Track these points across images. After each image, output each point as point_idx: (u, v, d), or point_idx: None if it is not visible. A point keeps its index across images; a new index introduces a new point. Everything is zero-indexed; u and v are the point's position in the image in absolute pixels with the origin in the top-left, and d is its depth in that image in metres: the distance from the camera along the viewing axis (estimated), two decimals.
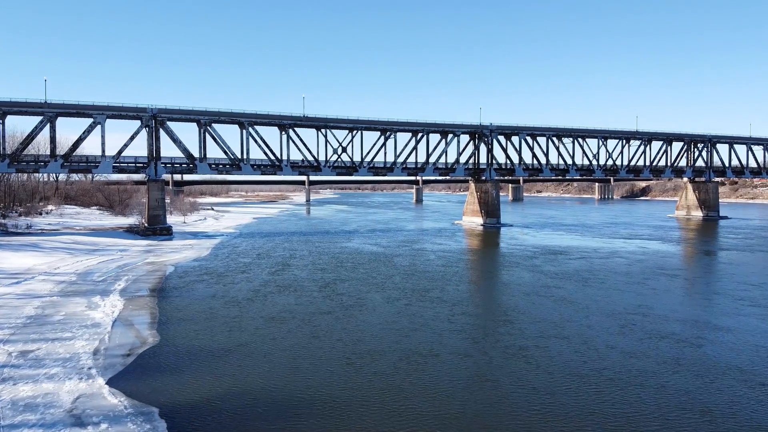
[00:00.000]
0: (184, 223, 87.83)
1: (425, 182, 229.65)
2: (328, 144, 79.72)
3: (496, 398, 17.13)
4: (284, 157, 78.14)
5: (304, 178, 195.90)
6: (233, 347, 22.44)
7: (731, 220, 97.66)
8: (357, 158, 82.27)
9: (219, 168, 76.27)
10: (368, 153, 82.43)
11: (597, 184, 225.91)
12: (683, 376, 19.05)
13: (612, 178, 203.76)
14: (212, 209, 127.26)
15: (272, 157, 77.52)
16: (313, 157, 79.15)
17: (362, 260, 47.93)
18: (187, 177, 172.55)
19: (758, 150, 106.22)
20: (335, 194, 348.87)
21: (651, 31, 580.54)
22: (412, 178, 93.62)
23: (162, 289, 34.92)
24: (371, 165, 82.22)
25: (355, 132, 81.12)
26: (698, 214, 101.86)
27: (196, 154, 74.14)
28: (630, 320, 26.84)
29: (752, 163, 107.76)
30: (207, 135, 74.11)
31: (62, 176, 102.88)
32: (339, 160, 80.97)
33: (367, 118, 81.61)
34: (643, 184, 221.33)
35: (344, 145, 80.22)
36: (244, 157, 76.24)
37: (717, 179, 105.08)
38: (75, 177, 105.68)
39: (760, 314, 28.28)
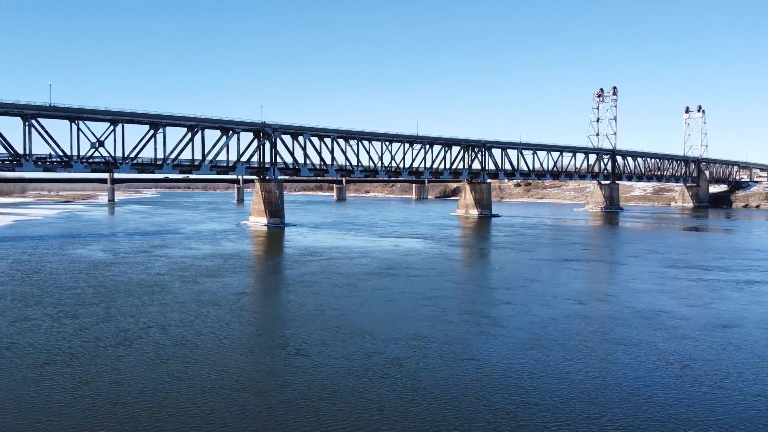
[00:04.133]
0: None
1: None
2: (81, 136, 71.26)
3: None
4: (26, 152, 68.15)
5: (106, 175, 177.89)
6: None
7: (501, 218, 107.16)
8: (120, 154, 74.83)
9: None
10: (134, 149, 75.53)
11: (414, 185, 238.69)
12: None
13: (426, 180, 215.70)
14: None
15: (11, 152, 67.15)
16: (62, 151, 70.15)
17: (59, 271, 41.60)
18: None
19: (528, 154, 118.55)
20: (157, 194, 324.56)
21: (423, 38, 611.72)
22: (185, 176, 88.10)
23: None
24: (135, 161, 75.35)
25: (117, 125, 73.66)
26: (474, 212, 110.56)
27: None
28: (210, 330, 25.12)
29: (537, 166, 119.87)
30: None
31: None
32: (96, 155, 72.85)
33: (131, 110, 74.51)
34: (455, 185, 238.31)
35: (102, 139, 72.34)
36: None
37: (490, 181, 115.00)
38: None
39: (391, 333, 24.57)
